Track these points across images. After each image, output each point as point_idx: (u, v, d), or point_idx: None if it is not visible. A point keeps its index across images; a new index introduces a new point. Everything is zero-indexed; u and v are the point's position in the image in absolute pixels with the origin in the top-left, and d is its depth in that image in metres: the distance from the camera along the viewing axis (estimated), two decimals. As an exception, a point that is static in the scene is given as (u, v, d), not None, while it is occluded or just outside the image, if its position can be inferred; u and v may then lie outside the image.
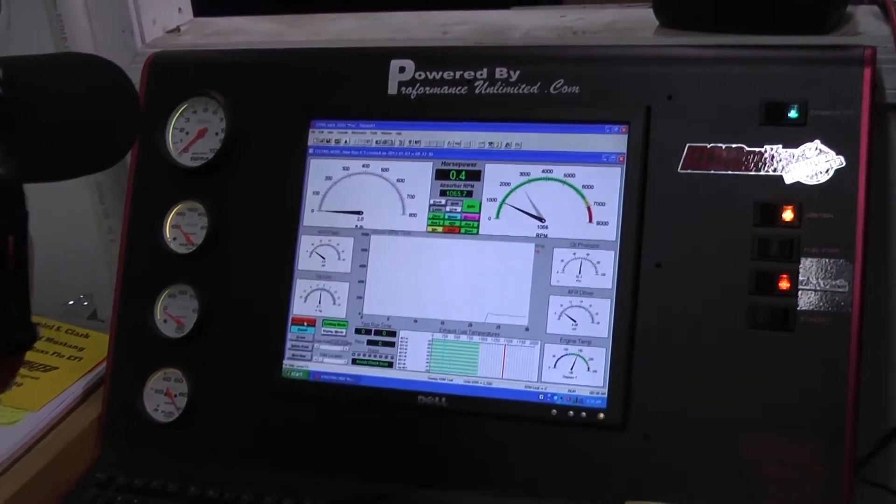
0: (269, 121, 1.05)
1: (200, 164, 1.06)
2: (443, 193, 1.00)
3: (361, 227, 1.02)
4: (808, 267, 0.90)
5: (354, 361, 1.00)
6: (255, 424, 1.01)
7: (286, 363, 1.02)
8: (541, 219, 0.97)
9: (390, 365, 0.99)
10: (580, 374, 0.94)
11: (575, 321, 0.95)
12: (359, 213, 1.02)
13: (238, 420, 1.02)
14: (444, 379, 0.97)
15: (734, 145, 0.93)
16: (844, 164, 0.89)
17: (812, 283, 0.89)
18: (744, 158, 0.93)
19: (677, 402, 0.91)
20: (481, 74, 1.00)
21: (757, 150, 0.92)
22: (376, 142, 1.03)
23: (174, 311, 1.05)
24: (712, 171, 0.93)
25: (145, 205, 1.07)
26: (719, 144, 0.93)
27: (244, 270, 1.04)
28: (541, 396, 0.95)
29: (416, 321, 0.99)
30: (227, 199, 1.05)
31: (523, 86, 0.99)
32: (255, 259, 1.04)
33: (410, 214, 1.01)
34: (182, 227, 1.06)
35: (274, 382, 1.01)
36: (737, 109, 0.93)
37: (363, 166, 1.03)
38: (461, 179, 1.00)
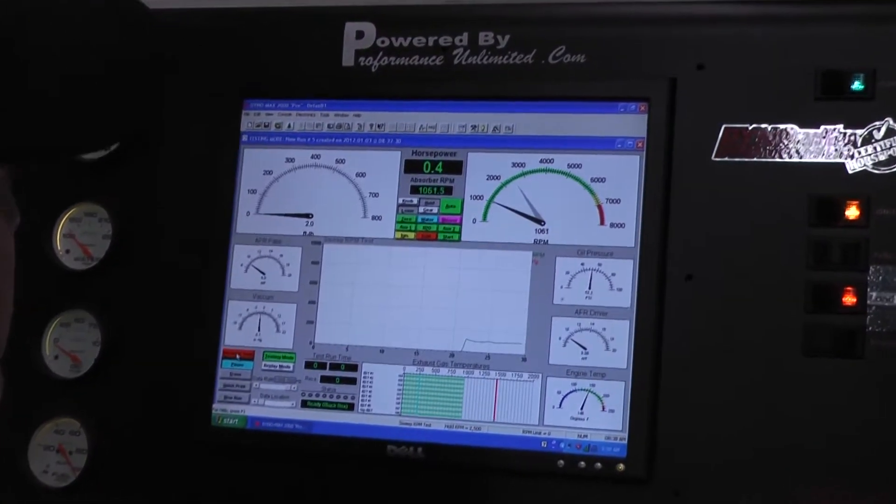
0: (191, 100, 1.03)
1: (102, 156, 1.04)
2: (414, 191, 0.99)
3: (311, 233, 1.01)
4: (879, 277, 0.89)
5: (305, 404, 0.98)
6: (176, 488, 1.00)
7: (217, 408, 1.00)
8: (539, 221, 0.96)
9: (351, 407, 0.97)
10: (593, 414, 0.93)
11: (585, 348, 0.94)
12: (308, 216, 1.00)
13: (154, 483, 1.00)
14: (419, 424, 0.96)
15: (782, 126, 0.92)
16: (921, 148, 0.91)
17: (884, 297, 0.88)
18: (795, 142, 0.92)
19: (714, 449, 0.90)
20: (461, 40, 0.99)
21: (811, 131, 0.92)
22: (328, 126, 1.01)
23: (68, 345, 1.04)
24: (755, 159, 0.92)
25: (28, 207, 1.02)
26: (763, 125, 0.92)
27: (160, 291, 1.02)
28: (544, 444, 0.94)
29: (382, 351, 0.97)
30: (137, 200, 1.04)
31: (514, 54, 0.98)
32: (173, 276, 1.02)
33: (373, 217, 0.99)
34: (77, 237, 1.05)
35: (201, 433, 1.00)
36: (785, 81, 0.92)
37: (312, 157, 1.01)
38: (437, 172, 0.98)
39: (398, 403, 0.96)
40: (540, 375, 0.94)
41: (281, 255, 1.00)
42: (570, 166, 0.95)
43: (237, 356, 1.00)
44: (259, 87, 1.03)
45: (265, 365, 0.99)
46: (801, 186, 0.90)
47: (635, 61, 0.95)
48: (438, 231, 0.97)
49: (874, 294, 0.88)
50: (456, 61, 0.98)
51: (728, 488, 0.89)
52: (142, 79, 0.61)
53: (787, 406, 0.88)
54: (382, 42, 1.00)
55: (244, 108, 1.02)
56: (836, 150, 0.91)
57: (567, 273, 0.94)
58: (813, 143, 0.91)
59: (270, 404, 0.98)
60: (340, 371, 0.97)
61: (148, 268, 1.03)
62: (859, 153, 0.90)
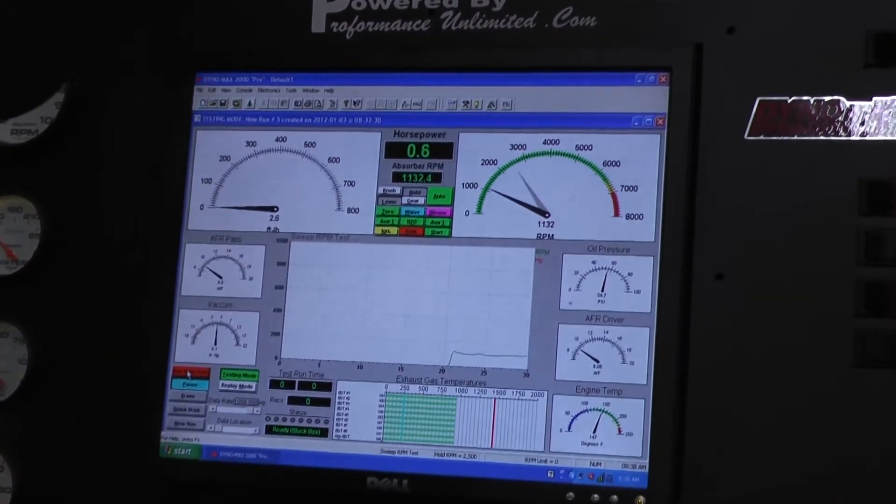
0: (135, 74, 1.04)
1: (27, 139, 1.05)
2: (397, 178, 0.98)
3: (276, 229, 1.00)
4: (942, 274, 0.89)
5: (270, 430, 0.98)
6: (119, 530, 0.99)
7: (166, 436, 0.99)
8: (543, 212, 0.95)
9: (324, 433, 0.96)
10: (608, 438, 0.92)
11: (598, 361, 0.93)
12: (272, 209, 1.00)
13: (92, 525, 1.00)
14: (404, 452, 0.95)
15: (827, 98, 0.91)
16: None
17: (949, 297, 0.88)
18: (841, 117, 0.91)
19: (750, 477, 0.88)
20: (450, 2, 0.99)
21: (861, 104, 0.91)
22: (296, 103, 1.01)
23: (-9, 363, 1.03)
24: (794, 137, 0.91)
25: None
26: (804, 97, 0.91)
27: (97, 299, 1.02)
28: (550, 473, 0.92)
29: (360, 367, 0.97)
30: (70, 193, 1.04)
31: (513, 17, 0.98)
32: (113, 282, 1.02)
33: (349, 210, 0.99)
34: (0, 236, 1.04)
35: (147, 466, 0.99)
36: (830, 46, 0.92)
37: (277, 140, 1.01)
38: (424, 157, 0.98)
39: (379, 428, 0.95)
40: (545, 393, 0.93)
41: (241, 256, 0.99)
42: (578, 148, 0.95)
43: (189, 374, 0.99)
44: (214, 59, 1.03)
45: (223, 384, 0.98)
46: (849, 169, 0.90)
47: (654, 25, 0.95)
48: (425, 225, 0.96)
49: (937, 294, 0.86)
50: (445, 26, 0.98)
51: (766, 522, 0.87)
52: None
53: (835, 425, 0.87)
54: (358, 5, 1.00)
55: (196, 83, 1.02)
56: (890, 125, 0.89)
57: (576, 273, 0.93)
58: (863, 118, 0.90)
59: (229, 431, 0.97)
60: (311, 391, 0.96)
61: (83, 272, 1.02)
62: (918, 129, 0.88)
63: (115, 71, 1.02)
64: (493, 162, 0.96)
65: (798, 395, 0.88)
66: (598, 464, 0.91)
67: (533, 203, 0.94)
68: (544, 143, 0.96)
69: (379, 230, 0.97)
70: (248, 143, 1.01)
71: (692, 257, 0.91)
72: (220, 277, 0.99)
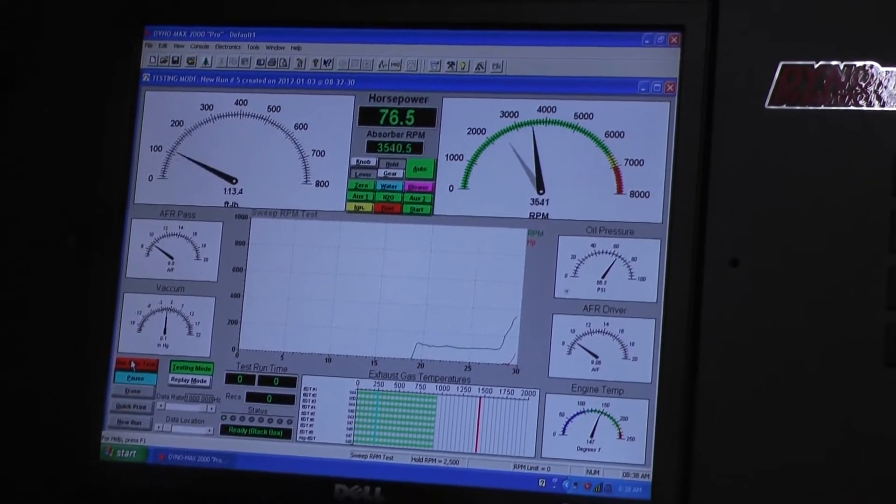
0: (74, 26, 1.02)
1: None
2: (372, 148, 0.97)
3: (235, 204, 0.98)
4: None
5: (226, 430, 0.96)
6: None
7: (107, 436, 0.98)
8: (537, 187, 0.94)
9: (287, 434, 0.95)
10: (607, 443, 0.91)
11: (596, 356, 0.91)
12: (231, 180, 0.99)
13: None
14: (377, 456, 0.94)
15: (859, 63, 0.90)
16: None
17: None
18: (875, 85, 0.89)
19: (767, 487, 0.87)
20: None
21: None
22: (258, 62, 1.00)
23: None
24: (821, 107, 0.90)
25: None
26: (833, 62, 0.90)
27: (29, 281, 1.00)
28: (542, 482, 0.91)
29: (329, 360, 0.95)
30: None
31: None
32: (47, 261, 1.00)
33: (318, 184, 0.98)
34: None
35: (85, 470, 0.97)
36: (862, 4, 0.90)
37: (237, 104, 1.00)
38: (403, 124, 0.97)
39: (350, 429, 0.94)
40: (537, 392, 0.92)
41: (195, 234, 0.98)
42: (577, 116, 0.93)
43: (134, 366, 0.98)
44: (165, 10, 1.01)
45: (173, 378, 0.97)
46: (883, 143, 0.88)
47: (665, -23, 0.93)
48: (404, 202, 0.95)
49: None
50: (427, -24, 0.93)
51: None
52: None
53: (865, 431, 0.86)
54: (329, -51, 0.95)
55: (145, 38, 1.01)
56: (931, 94, 0.87)
57: (573, 257, 0.92)
58: (900, 87, 0.86)
59: (180, 430, 0.96)
60: (273, 387, 0.95)
61: (14, 252, 1.01)
62: (963, 99, 0.86)
63: (54, 24, 1.01)
64: (481, 131, 0.95)
65: (822, 397, 0.87)
66: (595, 472, 0.90)
67: (525, 177, 0.92)
68: (539, 110, 0.94)
69: (351, 206, 0.96)
70: (203, 106, 0.99)
71: (704, 241, 0.91)
72: (171, 258, 0.98)
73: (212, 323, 0.97)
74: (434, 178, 0.95)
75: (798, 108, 0.90)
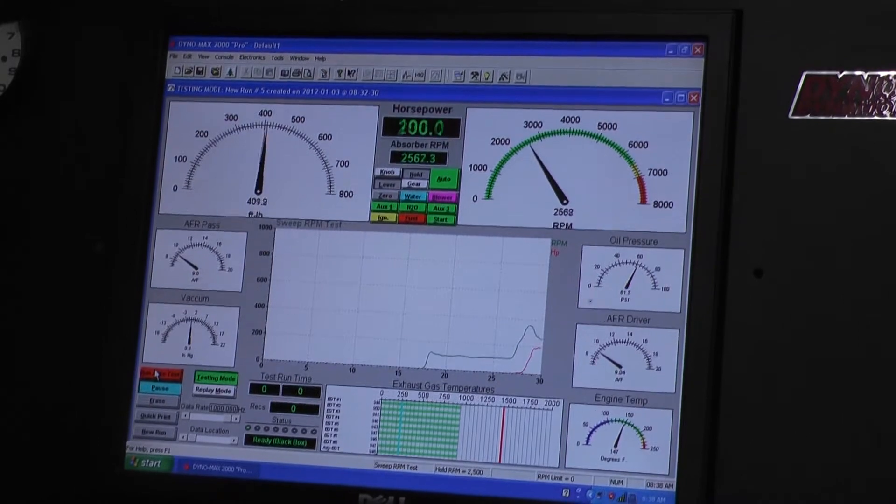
0: (100, 37, 1.03)
1: None
2: (396, 158, 0.97)
3: (260, 214, 0.99)
4: None
5: (251, 440, 0.97)
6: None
7: (132, 446, 0.99)
8: (561, 197, 0.94)
9: (312, 444, 0.95)
10: (631, 453, 0.91)
11: (620, 366, 0.92)
12: (255, 191, 0.99)
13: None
14: (401, 466, 0.94)
15: (883, 74, 0.90)
16: None
17: None
18: None
19: (791, 498, 0.87)
20: None
21: None
22: (283, 72, 1.00)
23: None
24: (845, 117, 0.90)
25: None
26: (857, 72, 0.90)
27: (54, 290, 1.01)
28: (565, 492, 0.92)
29: (353, 370, 0.95)
30: (25, 168, 1.03)
31: None
32: (72, 271, 1.01)
33: (342, 194, 0.98)
34: None
35: (111, 480, 0.98)
36: (886, 13, 0.90)
37: (261, 114, 1.00)
38: (427, 135, 0.97)
39: (374, 439, 0.94)
40: (561, 402, 0.92)
41: (219, 244, 0.98)
42: (601, 127, 0.94)
43: (158, 376, 0.98)
44: (190, 21, 1.01)
45: (197, 388, 0.97)
46: None
47: (689, -13, 0.91)
48: (428, 212, 0.96)
49: None
50: (451, -14, 0.93)
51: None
52: None
53: (892, 437, 0.85)
54: (355, -38, 0.95)
55: (170, 48, 1.01)
56: (957, 104, 0.84)
57: (597, 267, 0.92)
58: (925, 96, 0.85)
59: (204, 440, 0.97)
60: (297, 396, 0.95)
61: (40, 261, 1.01)
62: None
63: (75, 33, 1.02)
64: (505, 141, 0.95)
65: (847, 407, 0.86)
66: (619, 482, 0.90)
67: (549, 188, 0.93)
68: (563, 120, 0.94)
69: (375, 217, 0.96)
70: (228, 116, 1.00)
71: (728, 251, 0.91)
72: (196, 268, 0.98)
73: (236, 333, 0.97)
74: (458, 189, 0.96)
75: (822, 118, 0.90)
